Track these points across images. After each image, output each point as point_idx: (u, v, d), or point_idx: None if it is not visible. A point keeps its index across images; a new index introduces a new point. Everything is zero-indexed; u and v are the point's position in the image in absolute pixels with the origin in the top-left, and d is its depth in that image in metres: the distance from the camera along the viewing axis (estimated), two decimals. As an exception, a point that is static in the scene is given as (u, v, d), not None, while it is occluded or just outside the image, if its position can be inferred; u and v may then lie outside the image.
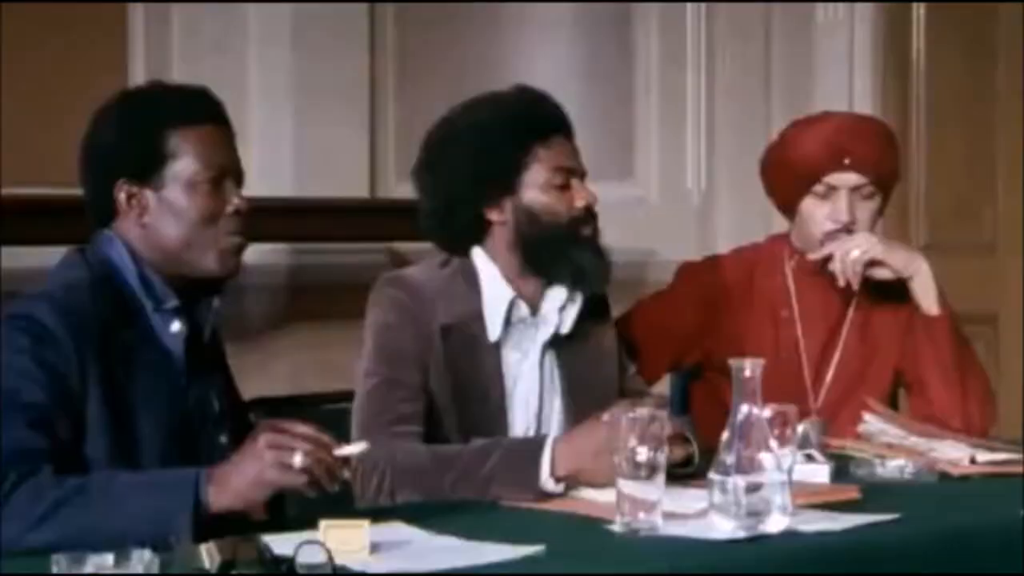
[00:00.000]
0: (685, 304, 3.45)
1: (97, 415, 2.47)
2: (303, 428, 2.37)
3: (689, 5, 5.68)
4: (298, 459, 2.32)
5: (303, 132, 5.04)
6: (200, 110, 2.62)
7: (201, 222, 2.58)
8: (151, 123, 2.59)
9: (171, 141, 2.58)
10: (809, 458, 2.84)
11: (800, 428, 2.65)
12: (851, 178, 3.36)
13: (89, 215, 2.64)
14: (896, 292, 3.41)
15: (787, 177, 3.42)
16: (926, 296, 3.37)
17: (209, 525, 2.29)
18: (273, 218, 4.53)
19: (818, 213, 3.39)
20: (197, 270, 2.60)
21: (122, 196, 2.59)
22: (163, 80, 2.78)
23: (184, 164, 2.58)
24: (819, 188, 3.37)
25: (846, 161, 3.35)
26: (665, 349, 3.42)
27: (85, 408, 2.46)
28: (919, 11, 5.70)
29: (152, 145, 2.58)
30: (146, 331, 2.57)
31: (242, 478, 2.34)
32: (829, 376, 3.45)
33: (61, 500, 2.31)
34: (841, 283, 3.36)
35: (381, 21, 5.30)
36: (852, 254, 3.34)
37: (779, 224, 3.61)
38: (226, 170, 2.62)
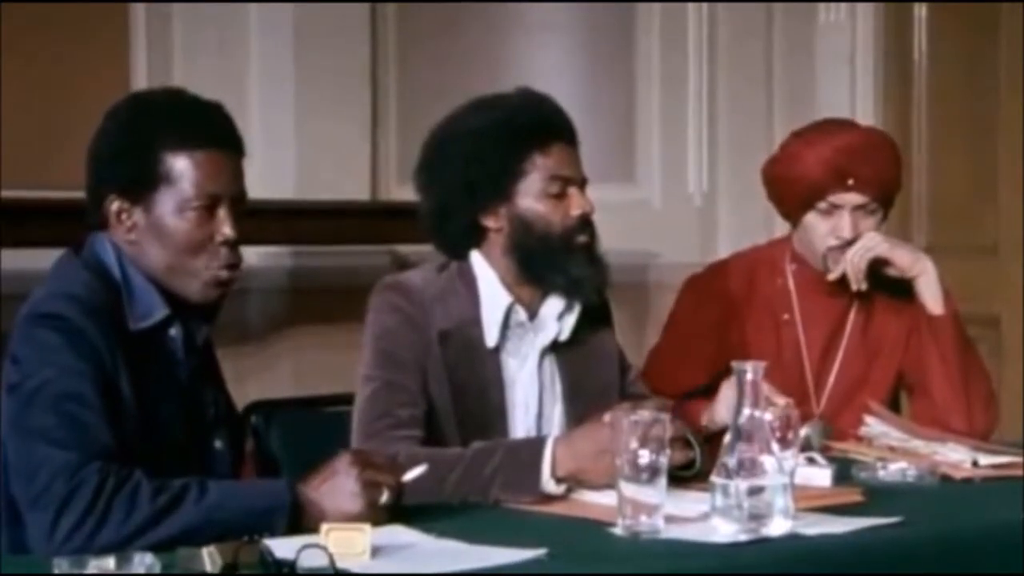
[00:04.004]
0: (703, 326, 3.41)
1: (129, 411, 2.46)
2: (386, 460, 2.51)
3: (690, 6, 5.67)
4: (386, 498, 2.43)
5: (304, 134, 5.04)
6: (205, 133, 2.55)
7: (186, 250, 2.53)
8: (150, 142, 2.52)
9: (167, 163, 2.52)
10: (811, 461, 2.84)
11: (803, 431, 2.64)
12: (855, 198, 3.35)
13: (86, 216, 2.60)
14: (898, 293, 3.41)
15: (789, 194, 3.41)
16: (931, 296, 3.36)
17: None
18: (274, 221, 4.54)
19: (821, 227, 3.38)
20: (179, 294, 2.57)
21: (113, 209, 2.55)
22: (180, 90, 2.67)
23: (177, 189, 2.52)
24: (822, 205, 3.36)
25: (850, 182, 3.33)
26: (700, 375, 3.32)
27: (121, 404, 2.46)
28: (920, 11, 5.69)
29: (147, 165, 2.52)
30: (153, 331, 2.56)
31: (333, 507, 2.40)
32: (831, 379, 3.45)
33: (165, 506, 2.33)
34: (854, 288, 3.36)
35: (383, 22, 5.31)
36: (858, 253, 3.34)
37: (781, 227, 3.60)
38: (220, 198, 2.54)
